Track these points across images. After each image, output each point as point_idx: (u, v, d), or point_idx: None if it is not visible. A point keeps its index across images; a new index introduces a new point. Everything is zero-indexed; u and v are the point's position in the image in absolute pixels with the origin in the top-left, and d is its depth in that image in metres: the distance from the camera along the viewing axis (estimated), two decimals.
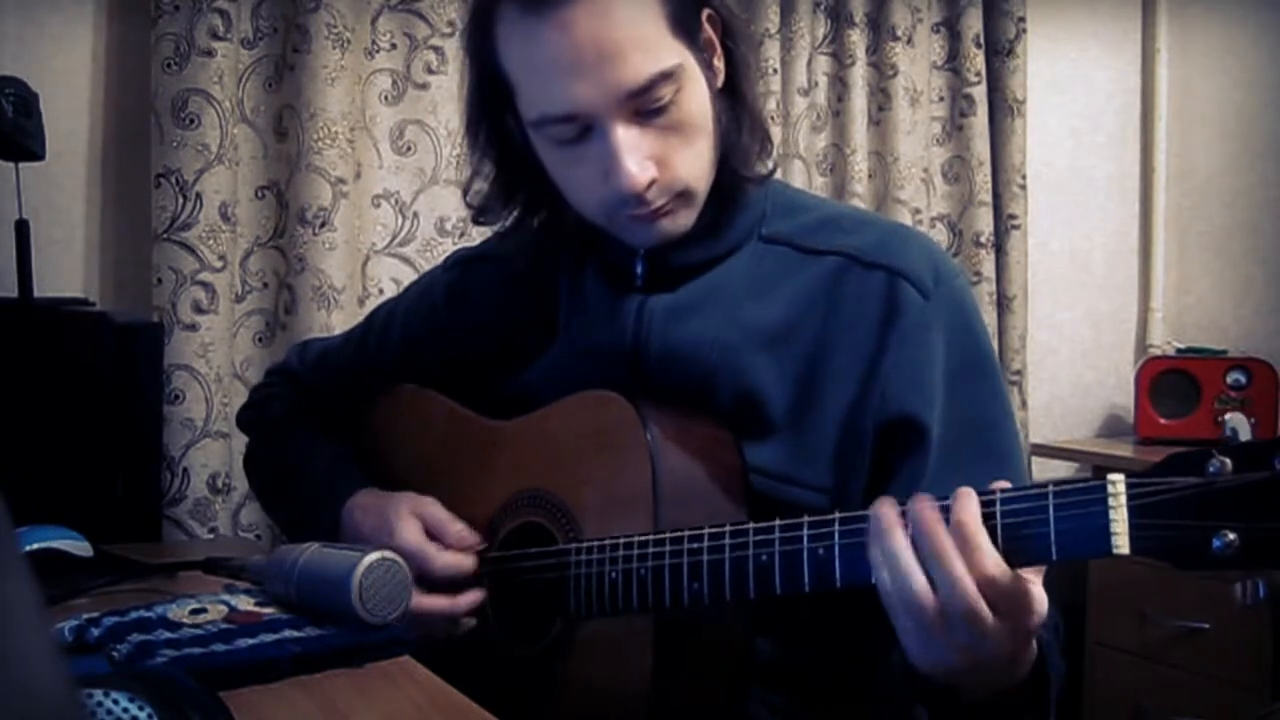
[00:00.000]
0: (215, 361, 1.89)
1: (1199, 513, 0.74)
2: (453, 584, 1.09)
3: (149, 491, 1.65)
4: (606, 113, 0.97)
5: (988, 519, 0.81)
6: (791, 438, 1.04)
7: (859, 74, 2.45)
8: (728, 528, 0.93)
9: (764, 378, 1.05)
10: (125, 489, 1.57)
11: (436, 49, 2.10)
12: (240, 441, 1.47)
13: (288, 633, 0.96)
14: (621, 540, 0.99)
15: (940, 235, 2.56)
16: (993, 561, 0.79)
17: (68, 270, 1.91)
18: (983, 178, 2.56)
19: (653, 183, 1.00)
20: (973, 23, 2.55)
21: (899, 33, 2.47)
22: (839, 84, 2.47)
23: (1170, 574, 0.76)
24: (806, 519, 0.89)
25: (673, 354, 1.08)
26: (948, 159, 2.59)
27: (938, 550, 0.80)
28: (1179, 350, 2.66)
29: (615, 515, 1.02)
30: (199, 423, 1.87)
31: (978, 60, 2.55)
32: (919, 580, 0.80)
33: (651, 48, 0.97)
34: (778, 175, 1.16)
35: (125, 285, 1.95)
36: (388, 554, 1.00)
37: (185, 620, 0.98)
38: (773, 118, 2.33)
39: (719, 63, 1.06)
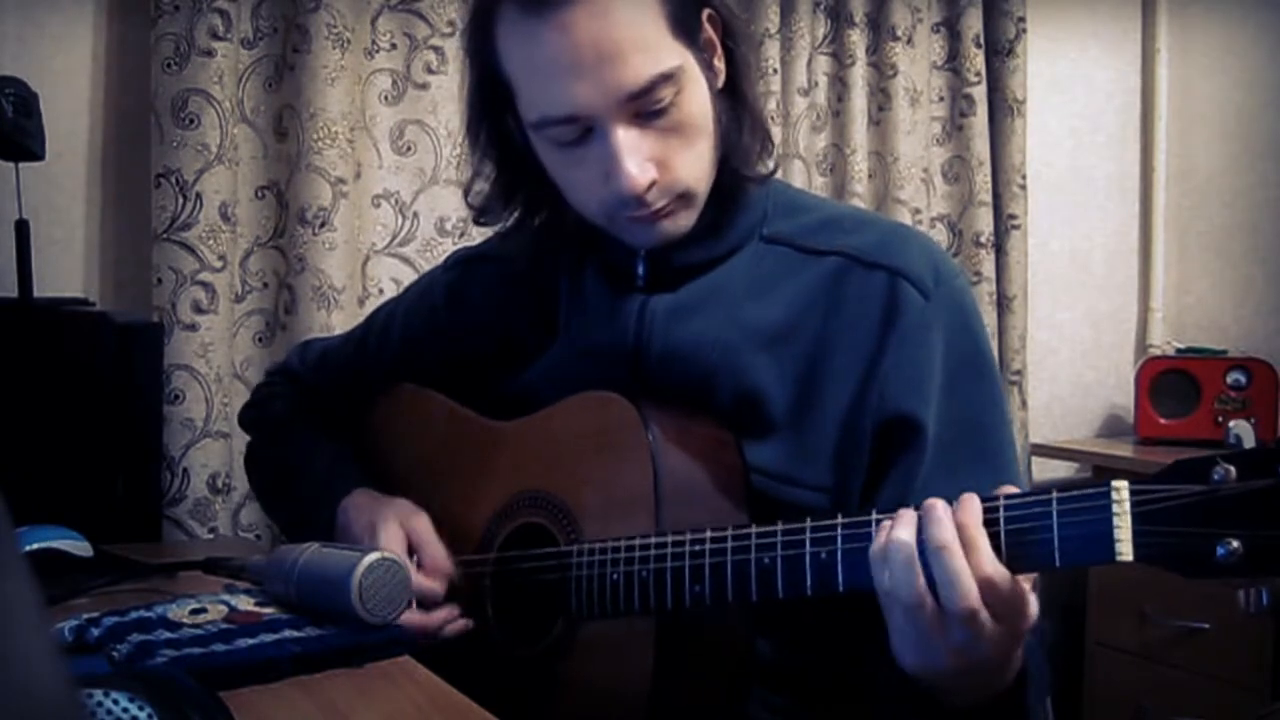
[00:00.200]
0: (215, 361, 1.89)
1: (1203, 520, 0.74)
2: (427, 601, 1.09)
3: (149, 491, 1.65)
4: (607, 114, 0.97)
5: (991, 524, 0.81)
6: (791, 437, 1.04)
7: (859, 74, 2.45)
8: (730, 530, 0.93)
9: (764, 378, 1.05)
10: (125, 489, 1.57)
11: (436, 49, 2.10)
12: (240, 441, 1.47)
13: (288, 633, 0.96)
14: (623, 542, 0.98)
15: (940, 235, 2.56)
16: (992, 564, 0.80)
17: (68, 270, 1.91)
18: (983, 178, 2.56)
19: (653, 184, 1.00)
20: (973, 23, 2.55)
21: (899, 33, 2.47)
22: (839, 84, 2.47)
23: (1170, 575, 0.76)
24: (809, 523, 0.89)
25: (674, 354, 1.08)
26: (948, 159, 2.59)
27: (942, 548, 0.80)
28: (1179, 350, 2.66)
29: (616, 516, 1.01)
30: (199, 423, 1.87)
31: (978, 60, 2.55)
32: (920, 578, 0.81)
33: (652, 49, 0.97)
34: (778, 175, 1.16)
35: (125, 285, 1.95)
36: (388, 554, 1.00)
37: (185, 620, 0.98)
38: (773, 118, 2.33)
39: (719, 63, 1.05)
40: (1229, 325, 2.73)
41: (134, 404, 1.60)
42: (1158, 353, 2.75)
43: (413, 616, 1.06)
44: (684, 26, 1.00)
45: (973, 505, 0.82)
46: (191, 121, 1.86)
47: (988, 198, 2.57)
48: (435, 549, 1.12)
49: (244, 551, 1.47)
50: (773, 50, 2.34)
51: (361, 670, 0.94)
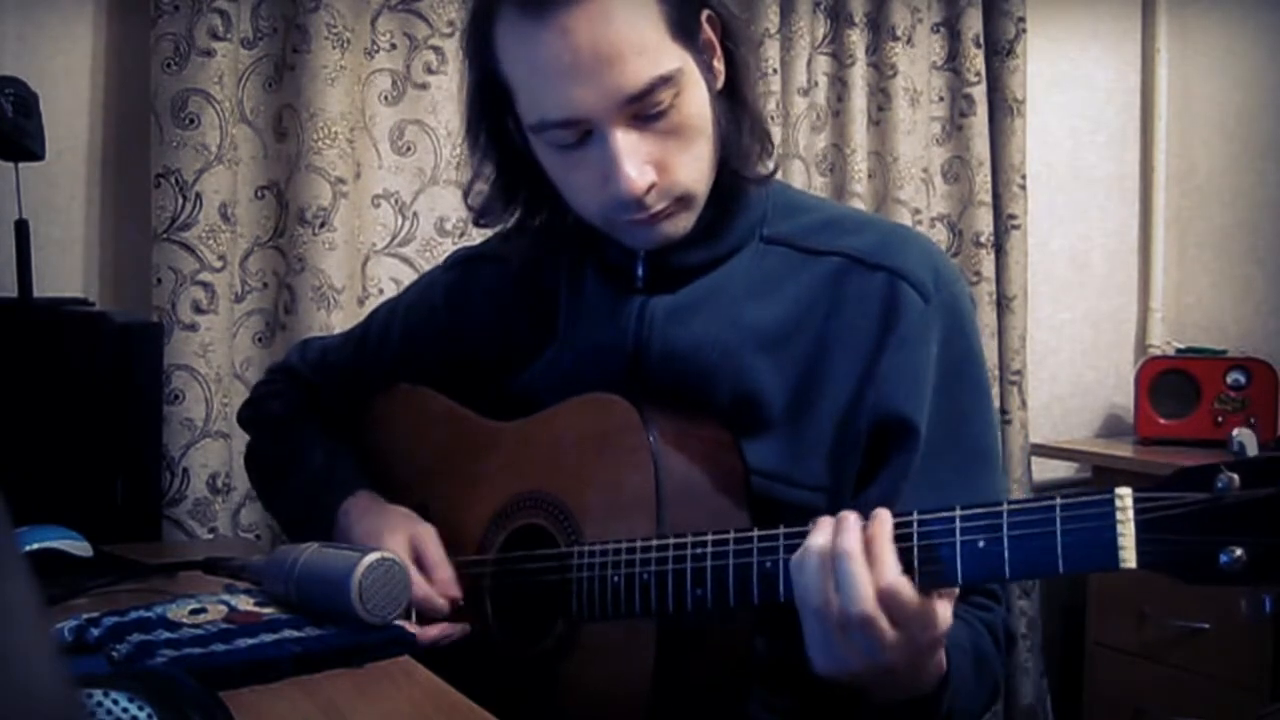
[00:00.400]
0: (215, 361, 1.89)
1: (1206, 528, 0.74)
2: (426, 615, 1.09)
3: (149, 491, 1.65)
4: (606, 117, 0.97)
5: (903, 539, 0.84)
6: (790, 437, 1.04)
7: (859, 74, 2.45)
8: (731, 533, 0.93)
9: (764, 379, 1.05)
10: (125, 489, 1.57)
11: (436, 49, 2.10)
12: (240, 441, 1.47)
13: (287, 633, 0.96)
14: (624, 544, 0.98)
15: (940, 235, 2.56)
16: (893, 575, 0.83)
17: (67, 270, 1.91)
18: (982, 178, 2.56)
19: (652, 187, 1.00)
20: (972, 23, 2.55)
21: (899, 33, 2.47)
22: (839, 84, 2.47)
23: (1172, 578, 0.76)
24: (811, 525, 0.89)
25: (673, 355, 1.08)
26: (947, 159, 2.59)
27: (844, 553, 0.83)
28: (1179, 350, 2.66)
29: (617, 518, 1.01)
30: (199, 423, 1.87)
31: (977, 60, 2.55)
32: (828, 583, 0.84)
33: (651, 52, 0.97)
34: (778, 176, 1.16)
35: (125, 285, 1.95)
36: (387, 554, 1.00)
37: (185, 620, 0.98)
38: (772, 118, 2.33)
39: (719, 64, 1.05)
40: (1229, 325, 2.73)
41: (134, 404, 1.60)
42: (1157, 353, 2.75)
43: (408, 628, 1.06)
44: (683, 28, 1.00)
45: (883, 519, 0.85)
46: (191, 121, 1.86)
47: (987, 198, 2.57)
48: (444, 570, 1.12)
49: (244, 551, 1.47)
50: (772, 50, 2.34)
51: (361, 670, 0.94)
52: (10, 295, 1.60)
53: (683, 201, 1.03)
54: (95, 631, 0.95)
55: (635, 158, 0.98)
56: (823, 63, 2.46)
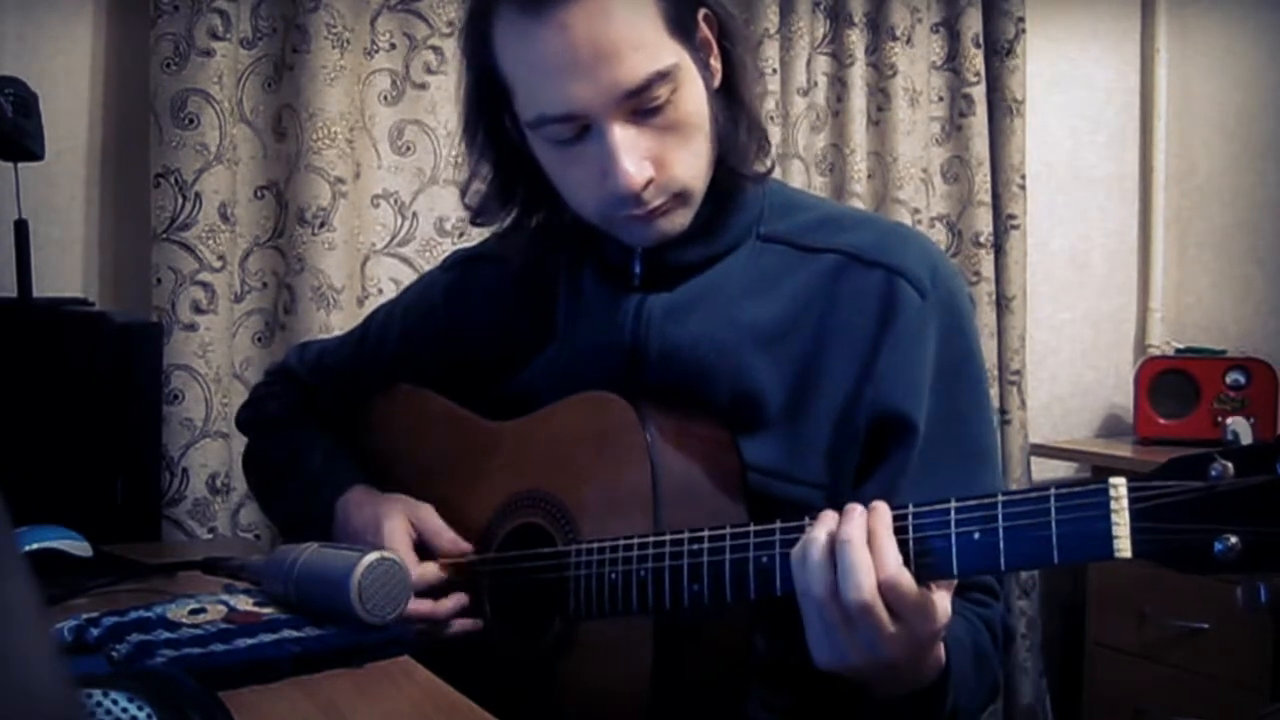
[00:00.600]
0: (214, 361, 1.89)
1: (1201, 516, 0.74)
2: (435, 589, 1.09)
3: (148, 491, 1.65)
4: (604, 113, 0.97)
5: (900, 532, 0.84)
6: (788, 434, 1.04)
7: (858, 74, 2.45)
8: (728, 529, 0.93)
9: (762, 376, 1.05)
10: (125, 489, 1.57)
11: (436, 49, 2.10)
12: (239, 442, 1.47)
13: (287, 633, 0.96)
14: (621, 541, 0.99)
15: (939, 235, 2.56)
16: (894, 566, 0.83)
17: (67, 270, 1.91)
18: (982, 178, 2.56)
19: (650, 182, 1.00)
20: (972, 23, 2.55)
21: (898, 33, 2.47)
22: (838, 84, 2.47)
23: (1170, 574, 0.76)
24: (808, 520, 0.89)
25: (671, 353, 1.08)
26: (947, 159, 2.59)
27: (845, 541, 0.83)
28: (1178, 350, 2.66)
29: (615, 516, 1.02)
30: (198, 423, 1.87)
31: (977, 60, 2.55)
32: (830, 574, 0.84)
33: (648, 47, 0.97)
34: (776, 175, 1.16)
35: (125, 285, 1.95)
36: (387, 554, 1.00)
37: (184, 620, 0.98)
38: (772, 118, 2.33)
39: (716, 63, 1.06)
40: (1228, 325, 2.73)
41: (133, 404, 1.60)
42: (1157, 353, 2.75)
43: (420, 605, 1.06)
44: (680, 26, 1.00)
45: (881, 511, 0.85)
46: (191, 121, 1.86)
47: (987, 198, 2.57)
48: (447, 533, 1.13)
49: (243, 551, 1.47)
50: (772, 50, 2.34)
51: (361, 670, 0.94)
52: (10, 295, 1.60)
53: (680, 198, 1.03)
54: (95, 631, 0.95)
55: (633, 153, 0.98)
56: (822, 63, 2.46)
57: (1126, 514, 0.77)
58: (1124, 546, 0.77)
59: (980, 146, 2.56)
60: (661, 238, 1.06)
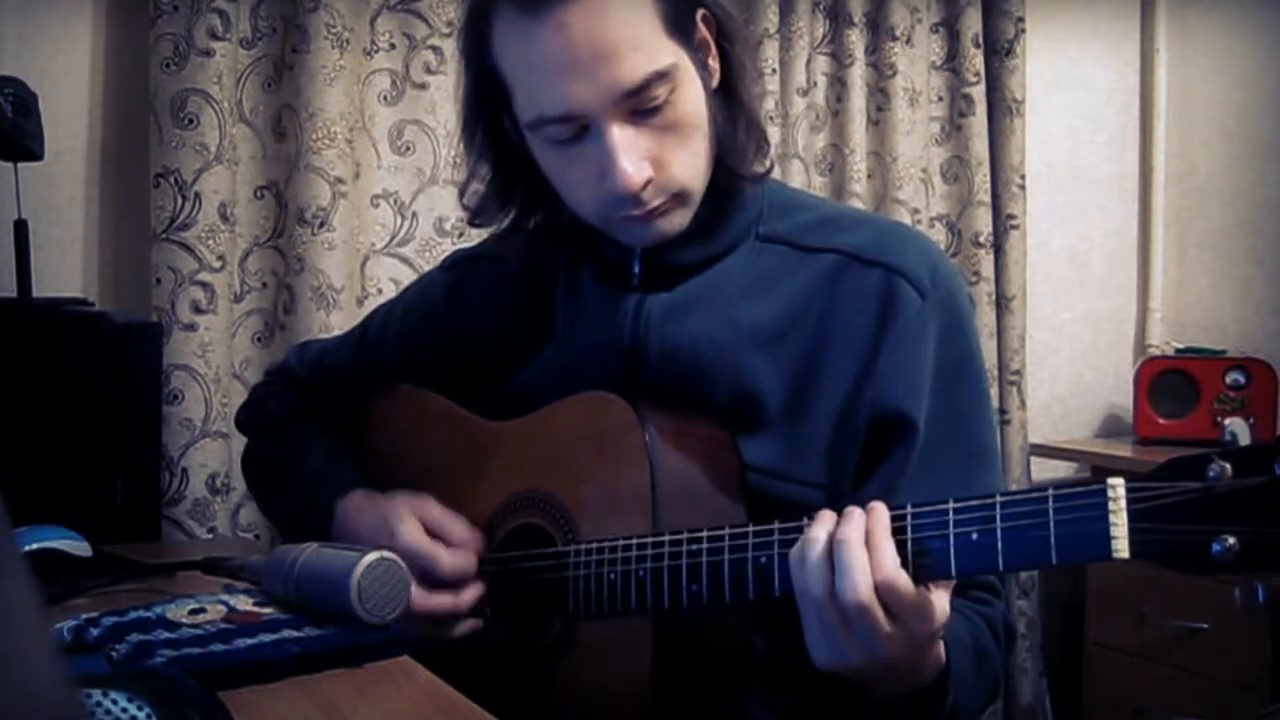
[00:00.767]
0: (214, 361, 1.89)
1: (1199, 517, 0.74)
2: (455, 582, 1.09)
3: (148, 492, 1.65)
4: (602, 113, 0.97)
5: (898, 533, 0.85)
6: (788, 434, 1.04)
7: (858, 74, 2.45)
8: (727, 529, 0.93)
9: (761, 376, 1.05)
10: (124, 489, 1.57)
11: (435, 49, 2.10)
12: (239, 442, 1.47)
13: (287, 633, 0.96)
14: (620, 542, 0.99)
15: (939, 235, 2.56)
16: (891, 567, 0.83)
17: (67, 270, 1.91)
18: (982, 178, 2.56)
19: (648, 182, 1.00)
20: (971, 23, 2.55)
21: (898, 33, 2.47)
22: (838, 84, 2.47)
23: (1169, 574, 0.76)
24: (806, 520, 0.89)
25: (670, 353, 1.08)
26: (947, 159, 2.59)
27: (843, 541, 0.84)
28: (1178, 350, 2.66)
29: (614, 517, 1.02)
30: (198, 423, 1.87)
31: (976, 60, 2.55)
32: (828, 573, 0.84)
33: (647, 48, 0.97)
34: (776, 175, 1.16)
35: (124, 285, 1.95)
36: (386, 554, 1.00)
37: (184, 620, 0.98)
38: (771, 118, 2.33)
39: (714, 63, 1.06)
40: (1228, 325, 2.73)
41: (133, 404, 1.61)
42: (1157, 353, 2.75)
43: (443, 600, 1.06)
44: (678, 26, 1.00)
45: (879, 512, 0.86)
46: (190, 121, 1.87)
47: (987, 198, 2.57)
48: (457, 524, 1.12)
49: (243, 551, 1.47)
50: (771, 50, 2.34)
51: (361, 670, 0.94)
52: (10, 295, 1.60)
53: (679, 198, 1.03)
54: (95, 631, 0.95)
55: (632, 153, 0.98)
56: (822, 63, 2.46)
57: (1125, 515, 0.77)
58: (1122, 547, 0.77)
59: (980, 146, 2.56)
60: (660, 238, 1.06)
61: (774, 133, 2.33)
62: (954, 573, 0.84)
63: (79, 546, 1.31)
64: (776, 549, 0.90)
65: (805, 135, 2.42)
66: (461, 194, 1.15)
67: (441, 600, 1.07)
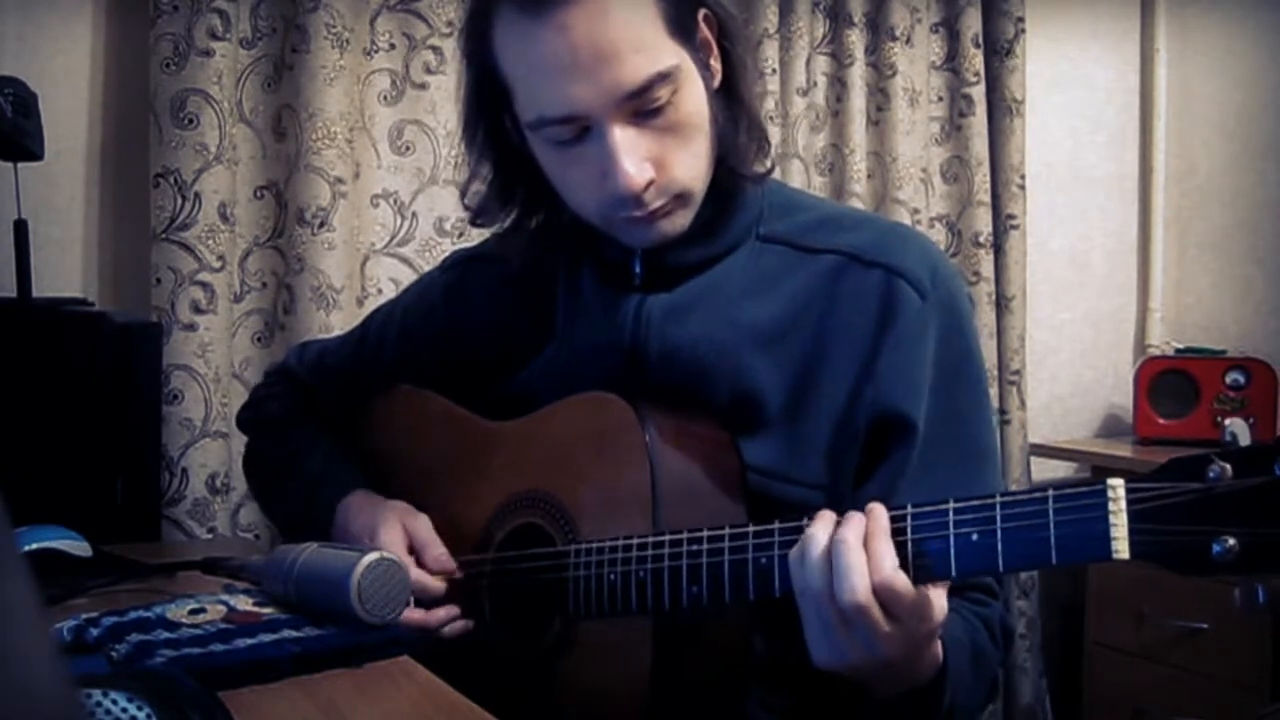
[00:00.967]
0: (214, 361, 1.89)
1: (1199, 518, 0.74)
2: (427, 599, 1.10)
3: (148, 492, 1.65)
4: (604, 114, 0.97)
5: (898, 533, 0.85)
6: (788, 435, 1.04)
7: (858, 74, 2.45)
8: (727, 530, 0.93)
9: (761, 377, 1.05)
10: (124, 489, 1.57)
11: (435, 49, 2.10)
12: (239, 441, 1.47)
13: (287, 633, 0.96)
14: (620, 542, 0.99)
15: (939, 235, 2.56)
16: (890, 568, 0.84)
17: (67, 270, 1.91)
18: (981, 178, 2.56)
19: (650, 184, 1.00)
20: (971, 23, 2.55)
21: (898, 33, 2.47)
22: (838, 84, 2.47)
23: (1169, 575, 0.76)
24: (806, 520, 0.89)
25: (670, 353, 1.08)
26: (946, 159, 2.59)
27: (840, 541, 0.84)
28: (1178, 350, 2.66)
29: (614, 517, 1.02)
30: (198, 423, 1.87)
31: (976, 60, 2.55)
32: (825, 574, 0.85)
33: (649, 49, 0.97)
34: (776, 175, 1.16)
35: (124, 285, 1.95)
36: (387, 554, 1.00)
37: (184, 620, 0.98)
38: (771, 118, 2.33)
39: (715, 63, 1.06)
40: (1228, 325, 2.73)
41: (133, 404, 1.61)
42: (1157, 353, 2.75)
43: (413, 614, 1.07)
44: (680, 26, 1.00)
45: (878, 514, 0.86)
46: (190, 121, 1.86)
47: (986, 198, 2.57)
48: (436, 548, 1.13)
49: (243, 551, 1.47)
50: (771, 50, 2.34)
51: (361, 670, 0.94)
52: (10, 295, 1.60)
53: (680, 199, 1.03)
54: (95, 631, 0.95)
55: (634, 154, 0.98)
56: (822, 63, 2.46)
57: (1124, 515, 0.77)
58: (1122, 548, 0.77)
59: (980, 146, 2.56)
60: (662, 239, 1.06)
61: (774, 133, 2.32)
62: (954, 573, 0.84)
63: (79, 546, 1.31)
64: (776, 549, 0.90)
65: (805, 135, 2.42)
66: (463, 194, 1.15)
67: (410, 614, 1.06)
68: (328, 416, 1.35)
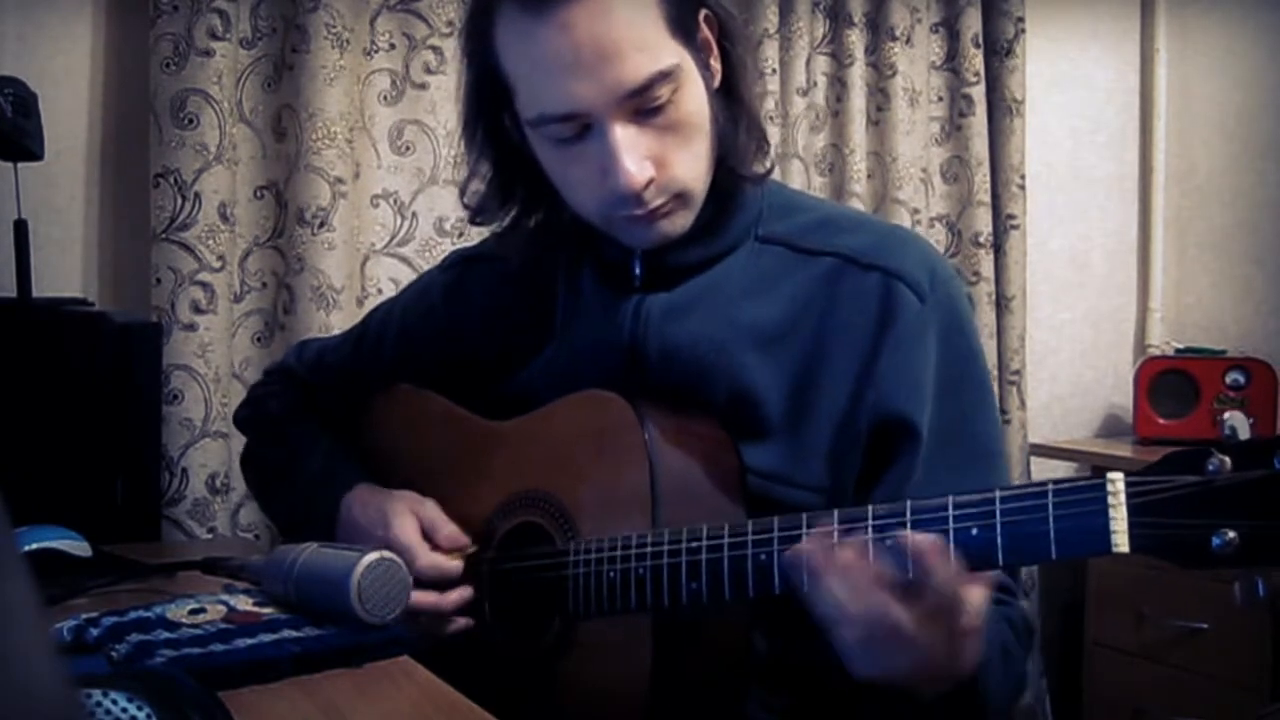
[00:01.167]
0: (214, 361, 1.89)
1: (1198, 511, 0.74)
2: (440, 582, 1.09)
3: (148, 492, 1.65)
4: (605, 112, 0.97)
5: (898, 529, 0.83)
6: (787, 438, 1.04)
7: (858, 74, 2.45)
8: (726, 527, 0.93)
9: (760, 378, 1.05)
10: (124, 489, 1.57)
11: (435, 49, 2.10)
12: (239, 441, 1.47)
13: (287, 633, 0.96)
14: (619, 541, 0.99)
15: (939, 235, 2.56)
16: (876, 570, 0.81)
17: (66, 270, 1.91)
18: (981, 178, 2.56)
19: (650, 182, 1.00)
20: (971, 23, 2.55)
21: (898, 33, 2.47)
22: (838, 84, 2.47)
23: (1169, 574, 0.76)
24: (805, 517, 0.89)
25: (669, 353, 1.08)
26: (946, 159, 2.59)
27: (843, 569, 0.83)
28: (1178, 350, 2.66)
29: (613, 516, 1.02)
30: (198, 423, 1.87)
31: (976, 60, 2.55)
32: (841, 595, 0.83)
33: (650, 47, 0.97)
34: (775, 175, 1.16)
35: (124, 285, 1.95)
36: (386, 554, 1.00)
37: (184, 620, 0.98)
38: (771, 118, 2.33)
39: (716, 63, 1.06)
40: (1228, 325, 2.73)
41: (133, 404, 1.61)
42: (1157, 353, 2.75)
43: (426, 598, 1.07)
44: (681, 26, 1.00)
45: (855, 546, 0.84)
46: (190, 121, 1.87)
47: (986, 198, 2.57)
48: (448, 527, 1.13)
49: (243, 551, 1.47)
50: (771, 50, 2.34)
51: (361, 670, 0.94)
52: (10, 295, 1.60)
53: (681, 199, 1.03)
54: (94, 631, 0.95)
55: (634, 152, 0.98)
56: (822, 63, 2.46)
57: (1124, 509, 0.77)
58: (1122, 541, 0.77)
59: (980, 146, 2.56)
60: (662, 239, 1.06)
61: (774, 133, 2.32)
62: None
63: (79, 546, 1.31)
64: (776, 546, 0.90)
65: (805, 135, 2.42)
66: (462, 193, 1.15)
67: (423, 597, 1.07)
68: (327, 415, 1.35)
